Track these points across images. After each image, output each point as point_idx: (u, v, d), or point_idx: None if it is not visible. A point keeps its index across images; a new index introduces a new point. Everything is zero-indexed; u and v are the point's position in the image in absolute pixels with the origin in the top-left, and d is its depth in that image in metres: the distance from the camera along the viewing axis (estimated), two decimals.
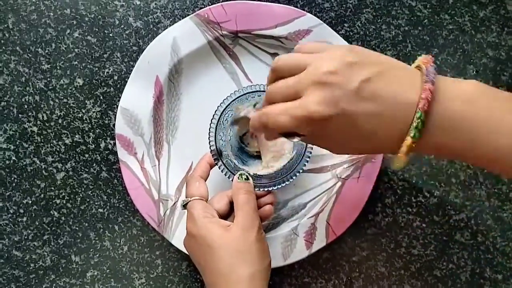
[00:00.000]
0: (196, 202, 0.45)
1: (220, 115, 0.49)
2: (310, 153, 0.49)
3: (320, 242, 0.52)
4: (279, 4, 0.52)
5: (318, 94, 0.32)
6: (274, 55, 0.54)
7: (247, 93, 0.49)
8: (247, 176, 0.47)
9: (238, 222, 0.43)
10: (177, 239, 0.52)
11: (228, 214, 0.47)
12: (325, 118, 0.32)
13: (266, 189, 0.49)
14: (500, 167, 0.34)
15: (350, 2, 0.55)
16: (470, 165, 0.54)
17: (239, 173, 0.47)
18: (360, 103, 0.32)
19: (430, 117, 0.32)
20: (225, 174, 0.49)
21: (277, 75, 0.37)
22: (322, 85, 0.32)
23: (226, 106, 0.49)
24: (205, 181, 0.48)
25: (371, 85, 0.32)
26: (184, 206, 0.46)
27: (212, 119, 0.49)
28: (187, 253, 0.51)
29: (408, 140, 0.32)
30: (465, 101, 0.33)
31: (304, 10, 0.53)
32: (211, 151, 0.49)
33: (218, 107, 0.49)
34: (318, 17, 0.53)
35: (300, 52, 0.37)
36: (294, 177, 0.49)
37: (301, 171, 0.49)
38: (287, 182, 0.49)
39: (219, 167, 0.49)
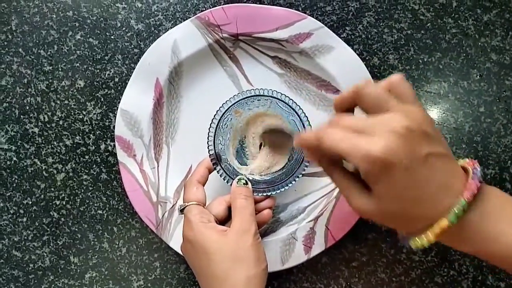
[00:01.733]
0: (193, 207, 0.45)
1: (219, 119, 0.49)
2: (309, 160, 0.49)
3: (319, 246, 0.51)
4: (280, 7, 0.52)
5: (390, 140, 0.32)
6: (274, 58, 0.54)
7: (247, 97, 0.49)
8: (246, 180, 0.47)
9: (234, 226, 0.43)
10: (175, 242, 0.51)
11: (226, 219, 0.47)
12: (386, 164, 0.32)
13: (265, 194, 0.49)
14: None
15: (352, 5, 0.54)
16: None
17: (238, 177, 0.47)
18: (420, 169, 0.33)
19: (470, 211, 0.34)
20: (224, 179, 0.49)
21: (355, 99, 0.36)
22: (397, 135, 0.32)
23: (226, 110, 0.49)
24: (204, 186, 0.48)
25: (434, 160, 0.33)
26: (181, 211, 0.46)
27: (211, 123, 0.49)
28: None
29: (444, 222, 0.33)
30: (503, 204, 0.35)
31: (305, 13, 0.53)
32: (209, 155, 0.49)
33: (217, 111, 0.49)
34: (319, 20, 0.53)
35: (390, 89, 0.36)
36: (293, 182, 0.49)
37: (300, 176, 0.49)
38: (286, 187, 0.49)
39: (217, 172, 0.49)
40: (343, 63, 0.52)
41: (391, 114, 0.34)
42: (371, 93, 0.35)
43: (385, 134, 0.32)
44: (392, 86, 0.36)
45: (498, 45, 0.54)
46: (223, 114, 0.49)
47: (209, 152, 0.49)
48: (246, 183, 0.46)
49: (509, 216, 0.34)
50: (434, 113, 0.54)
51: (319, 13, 0.54)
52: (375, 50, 0.54)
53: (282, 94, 0.48)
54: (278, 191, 0.49)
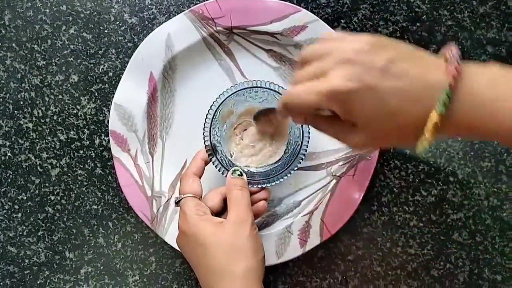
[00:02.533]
0: (188, 200, 0.45)
1: (215, 111, 0.49)
2: (305, 150, 0.49)
3: (314, 240, 0.51)
4: (274, 0, 0.52)
5: (343, 70, 0.32)
6: (269, 51, 0.53)
7: (243, 89, 0.48)
8: (241, 172, 0.46)
9: (230, 218, 0.43)
10: (170, 236, 0.51)
11: (222, 211, 0.47)
12: (349, 91, 0.32)
13: (260, 186, 0.49)
14: None
15: None
16: (468, 164, 0.53)
17: (232, 169, 0.47)
18: (385, 80, 0.32)
19: (456, 95, 0.32)
20: (219, 170, 0.49)
21: (304, 64, 0.37)
22: (347, 62, 0.33)
23: (222, 102, 0.48)
24: (200, 178, 0.47)
25: (397, 65, 0.33)
26: (177, 203, 0.46)
27: (207, 114, 0.48)
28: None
29: (434, 116, 0.32)
30: (490, 79, 0.33)
31: (300, 6, 0.53)
32: (205, 146, 0.48)
33: (213, 102, 0.48)
34: (314, 13, 0.53)
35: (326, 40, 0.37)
36: (288, 175, 0.49)
37: (295, 168, 0.49)
38: (281, 179, 0.49)
39: (213, 163, 0.49)
40: None
41: (336, 49, 0.34)
42: (312, 47, 0.36)
43: (337, 66, 0.33)
44: (327, 37, 0.37)
45: (494, 37, 0.53)
46: (219, 106, 0.48)
47: (204, 143, 0.48)
48: (241, 174, 0.46)
49: (501, 90, 0.32)
50: None
51: (313, 5, 0.54)
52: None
53: (279, 86, 0.48)
54: (274, 183, 0.49)
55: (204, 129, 0.48)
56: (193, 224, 0.42)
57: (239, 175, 0.46)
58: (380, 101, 0.33)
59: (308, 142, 0.49)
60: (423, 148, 0.33)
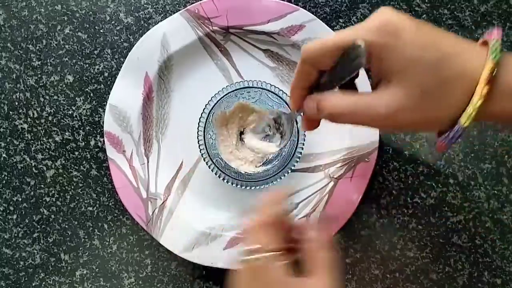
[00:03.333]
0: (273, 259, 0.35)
1: (208, 114, 0.48)
2: (302, 149, 0.48)
3: None
4: None
5: (392, 10, 0.31)
6: (266, 51, 0.53)
7: (235, 90, 0.48)
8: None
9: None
10: (165, 239, 0.51)
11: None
12: (398, 23, 0.30)
13: (257, 187, 0.48)
14: None
15: None
16: (468, 166, 0.52)
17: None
18: (428, 27, 0.31)
19: (497, 79, 0.30)
20: (216, 173, 0.48)
21: (311, 67, 0.35)
22: (388, 11, 0.32)
23: (214, 105, 0.48)
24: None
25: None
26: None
27: (200, 117, 0.48)
28: (176, 253, 0.50)
29: (489, 63, 0.30)
30: None
31: (297, 5, 0.52)
32: (200, 150, 0.48)
33: (206, 105, 0.48)
34: (312, 12, 0.52)
35: None
36: (286, 174, 0.48)
37: (291, 168, 0.48)
38: (278, 180, 0.48)
39: (209, 167, 0.48)
40: None
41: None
42: (315, 47, 0.34)
43: (373, 16, 0.32)
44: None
45: None
46: (212, 108, 0.48)
47: (199, 148, 0.48)
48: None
49: None
50: None
51: (311, 4, 0.53)
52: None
53: (272, 85, 0.48)
54: (271, 184, 0.48)
55: (198, 133, 0.48)
56: None
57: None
58: (426, 44, 0.30)
59: (304, 140, 0.48)
60: (472, 111, 0.30)
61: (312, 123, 0.39)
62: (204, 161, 0.48)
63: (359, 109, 0.32)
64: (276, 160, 0.51)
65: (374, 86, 0.33)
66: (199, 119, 0.48)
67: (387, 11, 0.31)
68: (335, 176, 0.51)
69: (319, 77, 0.35)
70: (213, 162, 0.49)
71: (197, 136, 0.48)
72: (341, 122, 0.34)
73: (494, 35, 0.31)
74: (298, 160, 0.48)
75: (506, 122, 0.33)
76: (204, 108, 0.48)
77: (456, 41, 0.31)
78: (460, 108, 0.31)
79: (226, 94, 0.48)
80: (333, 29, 0.51)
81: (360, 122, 0.33)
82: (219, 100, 0.48)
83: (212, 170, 0.49)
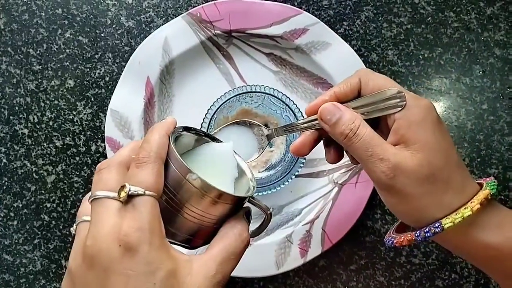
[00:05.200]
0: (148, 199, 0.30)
1: (211, 119, 0.47)
2: (305, 157, 0.47)
3: (315, 250, 0.50)
4: (274, 2, 0.50)
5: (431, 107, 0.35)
6: (269, 55, 0.52)
7: (238, 94, 0.47)
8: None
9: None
10: None
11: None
12: (440, 120, 0.34)
13: (260, 194, 0.48)
14: None
15: None
16: (474, 171, 0.51)
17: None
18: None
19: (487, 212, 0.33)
20: None
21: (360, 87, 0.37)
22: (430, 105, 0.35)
23: (216, 110, 0.47)
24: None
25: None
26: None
27: (202, 123, 0.47)
28: None
29: (486, 191, 0.33)
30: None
31: (300, 8, 0.51)
32: None
33: (208, 110, 0.47)
34: (315, 15, 0.51)
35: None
36: (289, 180, 0.48)
37: (296, 173, 0.48)
38: (282, 186, 0.48)
39: None
40: (340, 60, 0.50)
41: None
42: (376, 79, 0.35)
43: (420, 99, 0.34)
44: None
45: (501, 40, 0.52)
46: (215, 112, 0.47)
47: None
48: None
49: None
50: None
51: (315, 7, 0.52)
52: (374, 46, 0.52)
53: (275, 89, 0.47)
54: (274, 190, 0.48)
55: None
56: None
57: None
58: (453, 147, 0.34)
59: None
60: (459, 218, 0.32)
61: (308, 146, 0.38)
62: None
63: (376, 142, 0.33)
64: (280, 165, 0.50)
65: (389, 140, 0.35)
66: (201, 125, 0.47)
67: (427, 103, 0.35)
68: (339, 182, 0.50)
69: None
70: None
71: None
72: (348, 146, 0.35)
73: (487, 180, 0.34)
74: (302, 165, 0.48)
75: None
76: (206, 113, 0.47)
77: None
78: (446, 212, 0.33)
79: (228, 99, 0.47)
80: (336, 32, 0.51)
81: (366, 156, 0.34)
82: (221, 105, 0.47)
83: None
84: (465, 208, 0.32)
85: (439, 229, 0.32)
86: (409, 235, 0.34)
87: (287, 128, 0.40)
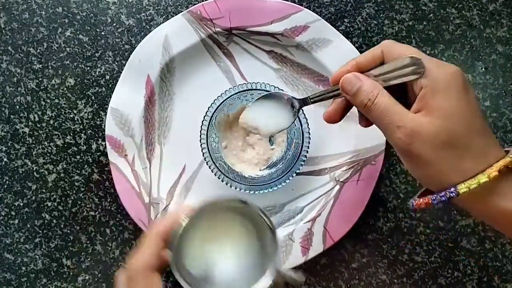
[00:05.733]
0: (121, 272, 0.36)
1: (211, 117, 0.47)
2: (307, 152, 0.47)
3: (316, 248, 0.49)
4: None
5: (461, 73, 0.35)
6: (270, 52, 0.52)
7: (239, 92, 0.47)
8: None
9: None
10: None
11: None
12: (468, 86, 0.34)
13: (261, 191, 0.47)
14: None
15: None
16: None
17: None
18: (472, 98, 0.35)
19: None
20: (219, 177, 0.48)
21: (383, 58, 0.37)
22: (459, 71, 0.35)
23: (218, 107, 0.47)
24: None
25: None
26: None
27: (202, 120, 0.47)
28: None
29: (507, 159, 0.33)
30: None
31: (301, 5, 0.51)
32: (203, 154, 0.47)
33: (208, 108, 0.47)
34: (316, 12, 0.51)
35: None
36: (290, 178, 0.48)
37: (297, 171, 0.47)
38: (283, 183, 0.48)
39: (212, 170, 0.48)
40: (341, 57, 0.50)
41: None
42: (398, 48, 0.36)
43: (449, 66, 0.35)
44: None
45: (504, 36, 0.51)
46: (215, 110, 0.47)
47: (202, 151, 0.47)
48: None
49: None
50: None
51: (316, 4, 0.52)
52: (375, 43, 0.52)
53: (275, 87, 0.47)
54: (276, 188, 0.47)
55: (200, 137, 0.47)
56: None
57: None
58: (477, 112, 0.34)
59: (309, 143, 0.47)
60: (475, 183, 0.32)
61: (340, 113, 0.40)
62: (207, 164, 0.48)
63: (394, 110, 0.35)
64: (281, 163, 0.50)
65: (413, 108, 0.35)
66: (202, 122, 0.47)
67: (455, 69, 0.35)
68: (341, 180, 0.50)
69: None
70: (216, 165, 0.48)
71: (200, 140, 0.47)
72: (368, 114, 0.37)
73: None
74: (303, 163, 0.47)
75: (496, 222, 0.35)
76: (207, 111, 0.47)
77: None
78: (463, 177, 0.33)
79: (228, 97, 0.47)
80: (338, 29, 0.50)
81: (384, 124, 0.35)
82: (221, 103, 0.47)
83: (215, 174, 0.48)
84: (482, 174, 0.32)
85: (454, 194, 0.33)
86: (426, 199, 0.35)
87: (314, 97, 0.41)
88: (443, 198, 0.33)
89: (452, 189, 0.33)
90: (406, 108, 0.35)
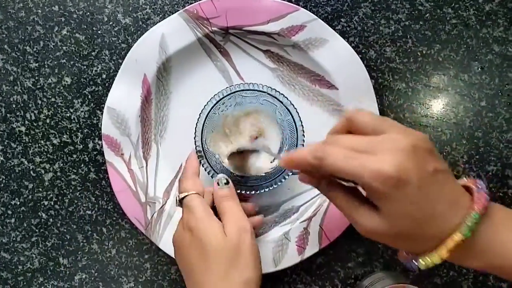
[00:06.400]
0: (195, 197, 0.44)
1: (208, 114, 0.47)
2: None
3: (312, 247, 0.50)
4: None
5: (399, 158, 0.32)
6: (266, 52, 0.52)
7: (236, 91, 0.47)
8: (226, 180, 0.45)
9: (231, 227, 0.41)
10: (165, 243, 0.50)
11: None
12: (399, 182, 0.32)
13: (256, 192, 0.47)
14: None
15: None
16: (473, 168, 0.51)
17: (217, 178, 0.45)
18: (430, 186, 0.33)
19: (481, 225, 0.33)
20: (209, 173, 0.47)
21: (350, 127, 0.36)
22: (405, 152, 0.32)
23: (214, 105, 0.47)
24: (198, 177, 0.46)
25: (441, 176, 0.33)
26: (181, 201, 0.44)
27: (198, 118, 0.47)
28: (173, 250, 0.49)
29: (457, 237, 0.33)
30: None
31: (298, 4, 0.51)
32: (197, 151, 0.47)
33: (204, 106, 0.47)
34: (313, 12, 0.51)
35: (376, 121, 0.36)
36: (286, 177, 0.47)
37: (291, 172, 0.47)
38: (279, 183, 0.47)
39: (202, 165, 0.47)
40: (337, 57, 0.50)
41: (392, 134, 0.33)
42: (368, 116, 0.35)
43: (392, 152, 0.32)
44: (374, 115, 0.37)
45: (500, 36, 0.51)
46: (211, 108, 0.47)
47: (196, 148, 0.47)
48: (227, 183, 0.45)
49: None
50: (433, 107, 0.52)
51: (312, 4, 0.52)
52: (372, 43, 0.52)
53: (272, 88, 0.47)
54: (271, 188, 0.47)
55: (195, 132, 0.47)
56: (201, 219, 0.41)
57: (225, 183, 0.45)
58: (420, 201, 0.33)
59: (303, 145, 0.47)
60: (430, 263, 0.34)
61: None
62: (199, 160, 0.47)
63: (351, 209, 0.37)
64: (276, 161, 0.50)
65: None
66: (197, 120, 0.47)
67: (402, 156, 0.32)
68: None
69: None
70: (208, 163, 0.47)
71: (194, 137, 0.47)
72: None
73: (479, 203, 0.33)
74: None
75: (497, 273, 0.36)
76: (203, 109, 0.47)
77: (449, 197, 0.34)
78: (426, 252, 0.34)
79: (225, 96, 0.47)
80: (334, 29, 0.50)
81: (346, 217, 0.38)
82: (218, 102, 0.47)
83: (205, 170, 0.47)
84: (434, 255, 0.34)
85: (415, 268, 0.35)
86: (402, 260, 0.38)
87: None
88: (412, 268, 0.36)
89: (414, 266, 0.35)
90: (363, 200, 0.36)
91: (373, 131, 0.35)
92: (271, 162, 0.49)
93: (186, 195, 0.44)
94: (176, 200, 0.45)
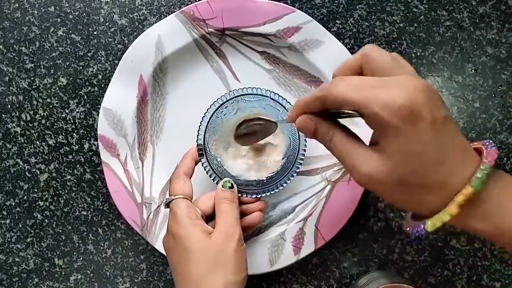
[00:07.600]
0: (180, 201, 0.43)
1: (212, 114, 0.46)
2: (303, 155, 0.47)
3: (308, 247, 0.50)
4: (267, 0, 0.50)
5: (414, 93, 0.30)
6: (262, 53, 0.52)
7: (236, 96, 0.46)
8: (231, 184, 0.45)
9: (219, 230, 0.42)
10: (160, 244, 0.50)
11: (213, 216, 0.46)
12: (413, 114, 0.29)
13: (257, 196, 0.47)
14: None
15: None
16: None
17: (223, 181, 0.45)
18: (443, 129, 0.30)
19: (488, 184, 0.31)
20: (207, 172, 0.47)
21: (363, 65, 0.34)
22: (419, 90, 0.30)
23: (220, 106, 0.46)
24: (190, 178, 0.46)
25: (451, 124, 0.31)
26: (167, 204, 0.44)
27: (203, 116, 0.46)
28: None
29: (468, 190, 0.30)
30: None
31: (294, 6, 0.51)
32: (197, 145, 0.46)
33: (211, 105, 0.46)
34: (308, 13, 0.51)
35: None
36: (287, 182, 0.47)
37: (293, 176, 0.47)
38: (280, 188, 0.47)
39: (202, 164, 0.47)
40: (333, 58, 0.50)
41: (405, 75, 0.31)
42: (380, 56, 0.33)
43: (405, 88, 0.30)
44: (393, 56, 0.34)
45: (494, 38, 0.52)
46: (214, 112, 0.46)
47: (197, 142, 0.46)
48: (232, 187, 0.45)
49: None
50: None
51: (308, 6, 0.52)
52: (367, 44, 0.52)
53: (276, 94, 0.46)
54: (272, 192, 0.47)
55: (199, 128, 0.46)
56: (183, 226, 0.41)
57: (229, 187, 0.45)
58: (431, 142, 0.30)
59: (305, 146, 0.47)
60: (439, 223, 0.31)
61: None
62: (199, 157, 0.47)
63: (349, 151, 0.33)
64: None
65: (374, 139, 0.34)
66: (202, 118, 0.46)
67: (415, 93, 0.30)
68: (332, 180, 0.51)
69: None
70: (207, 161, 0.47)
71: (197, 132, 0.46)
72: (331, 152, 0.35)
73: (490, 156, 0.31)
74: (299, 166, 0.46)
75: (497, 239, 0.33)
76: (212, 105, 0.46)
77: (460, 145, 0.32)
78: (433, 211, 0.31)
79: (223, 103, 0.46)
80: (330, 31, 0.51)
81: (342, 162, 0.34)
82: (224, 103, 0.46)
83: (205, 169, 0.47)
84: (444, 212, 0.31)
85: (423, 232, 0.32)
86: (408, 229, 0.34)
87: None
88: (417, 233, 0.33)
89: (420, 229, 0.32)
90: (364, 144, 0.34)
91: (385, 71, 0.33)
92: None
93: (172, 199, 0.44)
94: (163, 203, 0.45)
